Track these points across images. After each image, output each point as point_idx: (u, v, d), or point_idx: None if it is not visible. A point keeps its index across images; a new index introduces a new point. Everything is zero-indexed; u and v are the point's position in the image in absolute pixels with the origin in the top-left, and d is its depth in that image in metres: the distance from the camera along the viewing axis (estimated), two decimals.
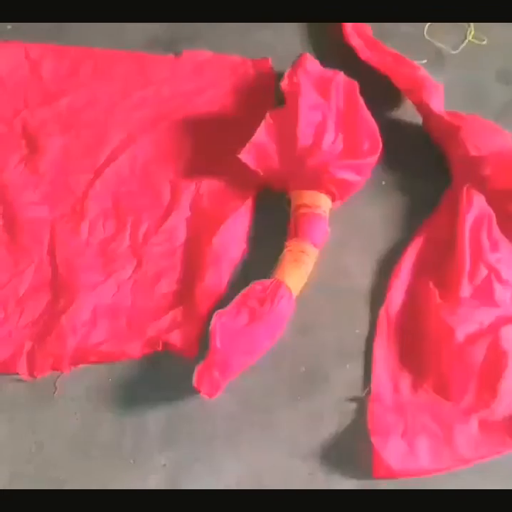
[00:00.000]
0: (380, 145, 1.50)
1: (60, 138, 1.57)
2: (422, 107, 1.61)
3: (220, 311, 1.29)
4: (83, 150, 1.56)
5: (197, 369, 1.22)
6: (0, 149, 1.55)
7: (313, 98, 1.50)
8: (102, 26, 1.79)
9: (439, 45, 1.87)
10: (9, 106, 1.62)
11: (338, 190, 1.44)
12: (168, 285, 1.40)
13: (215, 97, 1.68)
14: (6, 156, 1.54)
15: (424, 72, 1.66)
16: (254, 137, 1.48)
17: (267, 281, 1.33)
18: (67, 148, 1.56)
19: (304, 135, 1.46)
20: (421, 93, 1.60)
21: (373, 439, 1.24)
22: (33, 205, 1.47)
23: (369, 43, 1.74)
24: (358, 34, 1.75)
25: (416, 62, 1.71)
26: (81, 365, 1.30)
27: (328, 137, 1.45)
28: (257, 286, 1.32)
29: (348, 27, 1.76)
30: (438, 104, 1.60)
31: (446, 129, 1.55)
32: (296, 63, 1.64)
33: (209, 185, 1.53)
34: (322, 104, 1.50)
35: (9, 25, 1.76)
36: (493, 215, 1.48)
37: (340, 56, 1.76)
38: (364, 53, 1.70)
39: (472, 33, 1.90)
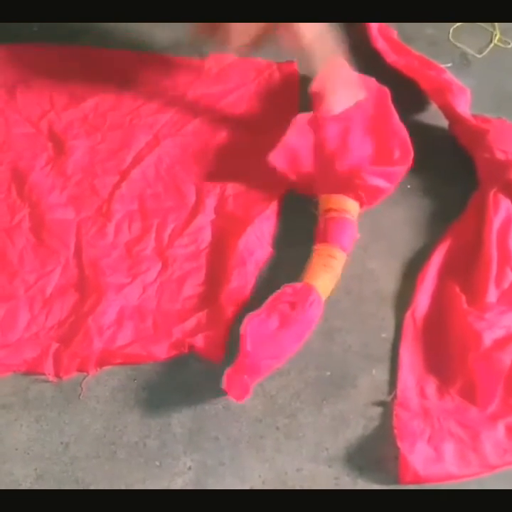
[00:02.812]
0: (412, 154, 1.49)
1: (86, 140, 1.58)
2: (448, 110, 1.61)
3: (251, 314, 1.28)
4: (109, 152, 1.57)
5: (226, 372, 1.22)
6: (27, 151, 1.56)
7: (340, 102, 1.50)
8: (128, 28, 1.80)
9: (464, 48, 1.86)
10: (36, 107, 1.63)
11: (367, 196, 1.44)
12: (193, 288, 1.40)
13: (239, 99, 1.69)
14: (33, 157, 1.55)
15: (450, 75, 1.65)
16: (283, 140, 1.48)
17: (297, 285, 1.33)
18: (93, 151, 1.57)
19: (331, 136, 1.46)
20: (447, 96, 1.59)
21: (400, 444, 1.23)
22: (59, 206, 1.48)
23: (395, 46, 1.73)
24: (383, 37, 1.74)
25: (441, 66, 1.71)
26: (107, 367, 1.30)
27: (356, 137, 1.45)
28: (287, 289, 1.31)
29: (374, 30, 1.75)
30: (464, 108, 1.59)
31: (473, 132, 1.54)
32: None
33: (234, 187, 1.53)
34: (350, 107, 1.50)
35: (35, 27, 1.78)
36: None
37: (364, 59, 1.75)
38: (390, 56, 1.70)
39: (498, 36, 1.89)
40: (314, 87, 1.55)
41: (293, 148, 1.48)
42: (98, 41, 1.76)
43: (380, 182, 1.43)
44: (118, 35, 1.78)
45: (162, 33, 1.80)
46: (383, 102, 1.54)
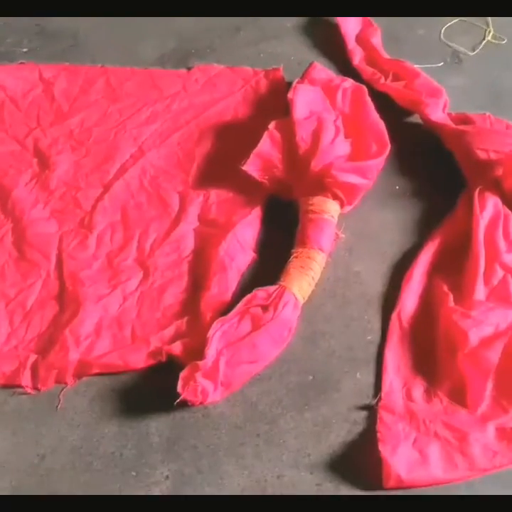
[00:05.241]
0: (388, 147, 1.47)
1: (70, 155, 1.59)
2: (425, 121, 1.60)
3: (221, 318, 1.27)
4: (93, 166, 1.58)
5: (181, 375, 1.20)
6: (12, 168, 1.57)
7: (311, 105, 1.50)
8: (115, 44, 1.82)
9: (456, 47, 1.83)
10: (22, 125, 1.65)
11: (344, 194, 1.42)
12: (174, 296, 1.39)
13: (226, 108, 1.69)
14: (17, 174, 1.56)
15: (422, 80, 1.64)
16: (257, 148, 1.48)
17: (270, 288, 1.31)
18: (77, 165, 1.58)
19: (303, 139, 1.45)
20: (420, 107, 1.59)
21: (381, 448, 1.19)
22: (42, 220, 1.49)
23: (371, 55, 1.73)
24: (362, 42, 1.74)
25: (421, 67, 1.69)
26: (85, 378, 1.29)
27: (327, 137, 1.43)
28: (259, 292, 1.30)
29: (351, 43, 1.76)
30: (439, 113, 1.57)
31: (452, 135, 1.52)
32: (304, 72, 1.65)
33: (218, 195, 1.52)
34: (321, 110, 1.50)
35: (25, 48, 1.81)
36: (510, 215, 1.43)
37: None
38: (366, 73, 1.69)
39: (491, 33, 1.86)
40: (289, 93, 1.55)
41: (267, 156, 1.47)
42: (85, 59, 1.78)
43: (353, 178, 1.41)
44: (104, 52, 1.80)
45: (147, 47, 1.81)
46: (359, 100, 1.53)
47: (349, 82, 1.58)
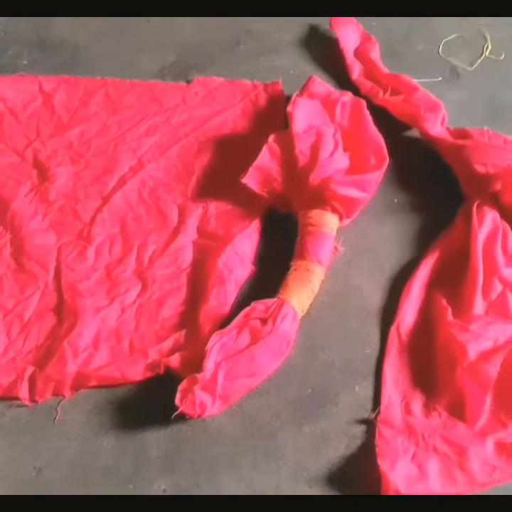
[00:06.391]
0: (386, 160, 1.47)
1: (70, 167, 1.59)
2: (423, 135, 1.61)
3: (219, 331, 1.27)
4: (93, 178, 1.58)
5: (179, 387, 1.19)
6: (11, 179, 1.57)
7: (310, 119, 1.51)
8: (115, 57, 1.83)
9: (455, 61, 1.84)
10: (22, 137, 1.65)
11: (343, 207, 1.42)
12: (173, 308, 1.38)
13: (225, 121, 1.69)
14: (17, 185, 1.56)
15: (421, 94, 1.64)
16: (256, 161, 1.48)
17: (269, 301, 1.31)
18: (76, 177, 1.58)
19: (302, 153, 1.45)
20: (419, 122, 1.59)
21: (380, 462, 1.18)
22: (40, 232, 1.48)
23: (369, 69, 1.74)
24: (360, 56, 1.76)
25: (420, 81, 1.69)
26: (83, 390, 1.28)
27: (325, 150, 1.44)
28: (258, 305, 1.30)
29: (349, 57, 1.77)
30: (438, 128, 1.58)
31: (451, 149, 1.53)
32: (303, 86, 1.65)
33: (217, 207, 1.52)
34: (321, 123, 1.50)
35: (25, 61, 1.81)
36: (508, 229, 1.44)
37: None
38: (365, 87, 1.70)
39: (489, 48, 1.87)
40: (288, 107, 1.55)
41: (266, 169, 1.47)
42: (85, 71, 1.78)
43: (352, 191, 1.41)
44: (105, 65, 1.81)
45: (148, 59, 1.82)
46: (358, 113, 1.53)
47: (348, 96, 1.59)
